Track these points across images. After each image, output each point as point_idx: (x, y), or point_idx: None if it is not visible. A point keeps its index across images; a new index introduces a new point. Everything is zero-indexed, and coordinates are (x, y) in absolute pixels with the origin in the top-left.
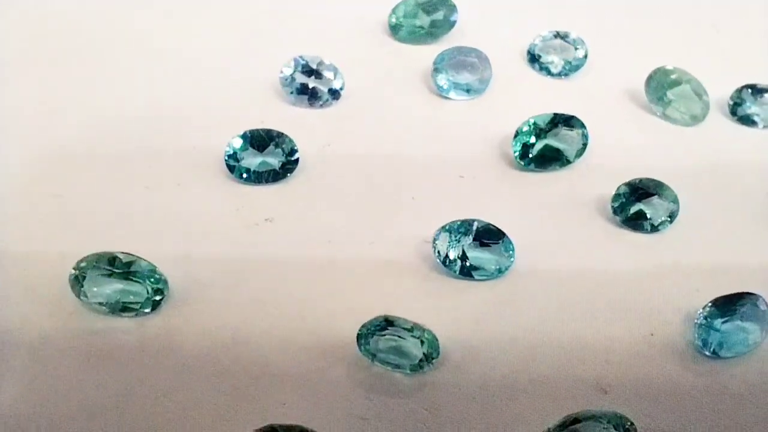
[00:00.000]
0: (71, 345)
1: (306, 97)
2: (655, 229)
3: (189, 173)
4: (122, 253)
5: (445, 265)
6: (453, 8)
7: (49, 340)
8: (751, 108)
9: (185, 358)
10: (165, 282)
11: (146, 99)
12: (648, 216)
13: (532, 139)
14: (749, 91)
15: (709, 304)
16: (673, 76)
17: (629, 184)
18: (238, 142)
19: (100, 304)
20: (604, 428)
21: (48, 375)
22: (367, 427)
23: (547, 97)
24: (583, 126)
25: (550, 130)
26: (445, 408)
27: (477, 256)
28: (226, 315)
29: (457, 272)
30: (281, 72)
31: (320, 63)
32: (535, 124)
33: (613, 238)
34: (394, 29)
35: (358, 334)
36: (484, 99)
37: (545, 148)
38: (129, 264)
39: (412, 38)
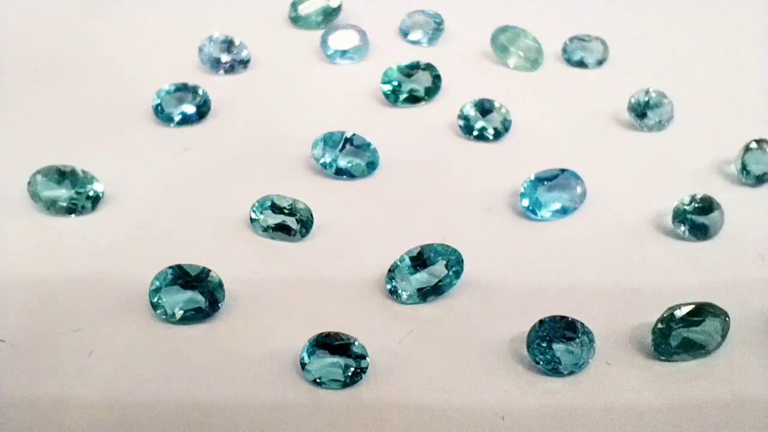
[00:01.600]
0: None
1: (219, 66)
2: (497, 136)
3: (121, 120)
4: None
5: (323, 167)
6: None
7: None
8: (580, 53)
9: None
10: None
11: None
12: (487, 128)
13: (399, 87)
14: (576, 40)
15: (532, 177)
16: (512, 33)
17: (475, 104)
18: (164, 91)
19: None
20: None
21: None
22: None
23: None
24: (435, 69)
25: (411, 75)
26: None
27: (349, 159)
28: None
29: (333, 172)
30: (200, 48)
31: (231, 40)
32: (399, 68)
33: (463, 147)
34: (294, 20)
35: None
36: (364, 63)
37: (410, 90)
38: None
39: (308, 26)
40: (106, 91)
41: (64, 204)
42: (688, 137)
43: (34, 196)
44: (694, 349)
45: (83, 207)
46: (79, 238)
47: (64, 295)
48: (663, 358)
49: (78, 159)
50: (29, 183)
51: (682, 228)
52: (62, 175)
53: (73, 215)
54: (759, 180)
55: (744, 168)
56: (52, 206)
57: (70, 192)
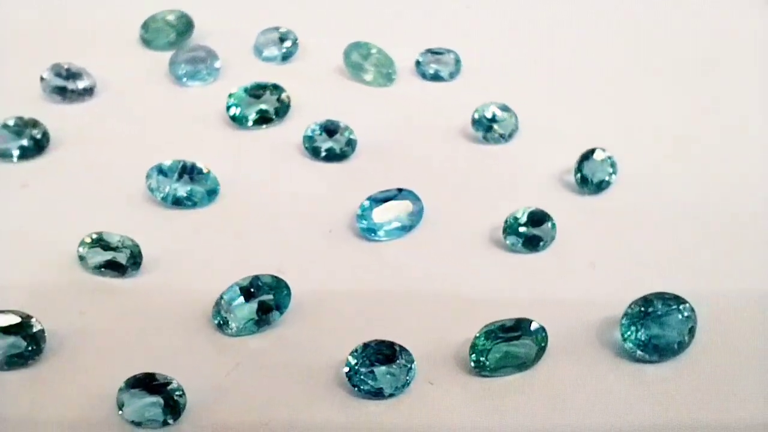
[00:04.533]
0: None
1: (63, 95)
2: (343, 156)
3: None
4: None
5: (160, 199)
6: (191, 21)
7: None
8: (434, 66)
9: None
10: None
11: None
12: (336, 149)
13: (246, 109)
14: (430, 53)
15: (368, 199)
16: (365, 49)
17: (319, 125)
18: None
19: None
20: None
21: None
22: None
23: (270, 79)
24: (282, 89)
25: (259, 96)
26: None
27: (188, 188)
28: None
29: (170, 203)
30: (41, 77)
31: (74, 68)
32: (245, 90)
33: (309, 169)
34: (146, 42)
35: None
36: (215, 85)
37: (259, 111)
38: None
39: (161, 47)
40: None
41: None
42: (532, 149)
43: None
44: (513, 363)
45: None
46: None
47: None
48: (483, 374)
49: None
50: None
51: (514, 240)
52: None
53: None
54: (598, 188)
55: (581, 177)
56: None
57: None
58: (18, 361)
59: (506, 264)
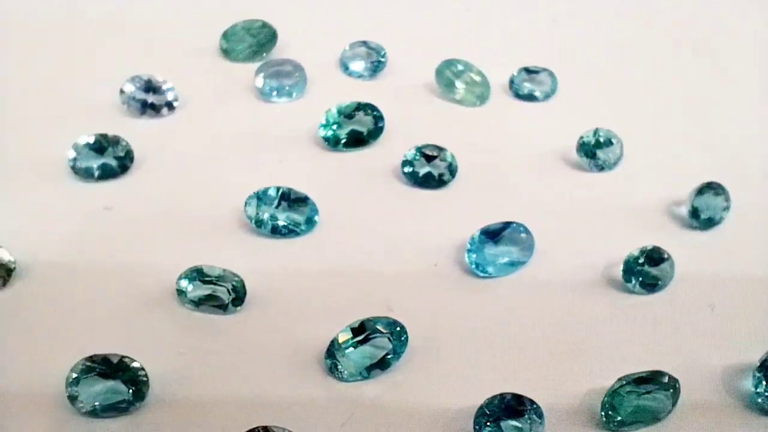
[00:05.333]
0: None
1: (143, 109)
2: (442, 183)
3: (32, 177)
4: None
5: (257, 227)
6: (274, 32)
7: None
8: (528, 85)
9: None
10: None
11: None
12: (435, 175)
13: (339, 131)
14: (525, 72)
15: (478, 232)
16: (458, 67)
17: (418, 149)
18: (81, 143)
19: None
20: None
21: None
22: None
23: (356, 96)
24: (377, 109)
25: (352, 116)
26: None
27: (286, 216)
28: None
29: (269, 231)
30: (121, 90)
31: (155, 80)
32: (339, 110)
33: (407, 195)
34: (226, 52)
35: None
36: (302, 101)
37: (350, 131)
38: None
39: (241, 58)
40: (15, 143)
41: None
42: (638, 177)
43: None
44: (645, 417)
45: None
46: None
47: None
48: (614, 428)
49: None
50: None
51: (633, 282)
52: None
53: None
54: (708, 223)
55: (694, 212)
56: None
57: None
58: (119, 407)
59: (623, 305)
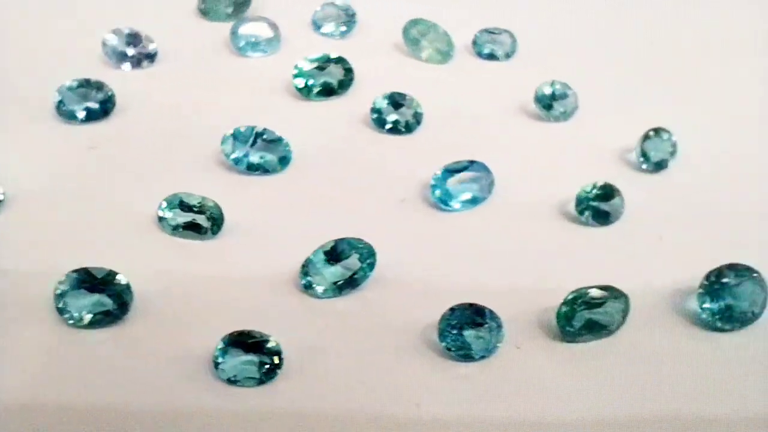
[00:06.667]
0: None
1: (125, 60)
2: (409, 129)
3: (21, 117)
4: None
5: (234, 164)
6: None
7: None
8: (490, 46)
9: None
10: None
11: None
12: (399, 120)
13: (311, 81)
14: (486, 33)
15: (441, 169)
16: (423, 26)
17: (386, 97)
18: (66, 87)
19: None
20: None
21: None
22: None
23: (329, 53)
24: (347, 62)
25: (323, 68)
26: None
27: (261, 155)
28: None
29: (245, 168)
30: (104, 41)
31: (136, 33)
32: (310, 61)
33: (375, 140)
34: (204, 12)
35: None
36: (276, 56)
37: (323, 83)
38: None
39: (219, 18)
40: (4, 86)
41: None
42: (592, 127)
43: None
44: (597, 329)
45: None
46: None
47: None
48: (568, 339)
49: None
50: None
51: (585, 214)
52: None
53: None
54: (658, 166)
55: (643, 155)
56: None
57: None
58: (104, 319)
59: (578, 236)
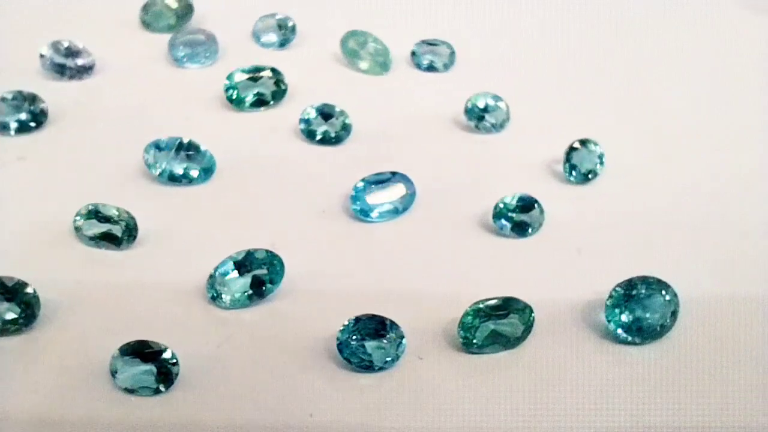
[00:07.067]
0: None
1: (62, 72)
2: (338, 140)
3: None
4: None
5: (155, 174)
6: (190, 4)
7: None
8: (429, 57)
9: None
10: None
11: None
12: (329, 132)
13: (244, 92)
14: (425, 44)
15: (362, 181)
16: (361, 38)
17: (316, 108)
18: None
19: None
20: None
21: None
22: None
23: (267, 64)
24: (279, 73)
25: (257, 79)
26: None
27: (184, 165)
28: None
29: (166, 179)
30: (41, 54)
31: (74, 45)
32: (243, 72)
33: (304, 151)
34: (146, 24)
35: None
36: (213, 67)
37: (256, 94)
38: None
39: (160, 30)
40: None
41: None
42: (523, 138)
43: None
44: (500, 341)
45: None
46: None
47: None
48: (471, 350)
49: None
50: None
51: (504, 225)
52: None
53: None
54: (585, 178)
55: (570, 167)
56: None
57: None
58: (12, 327)
59: (495, 247)
